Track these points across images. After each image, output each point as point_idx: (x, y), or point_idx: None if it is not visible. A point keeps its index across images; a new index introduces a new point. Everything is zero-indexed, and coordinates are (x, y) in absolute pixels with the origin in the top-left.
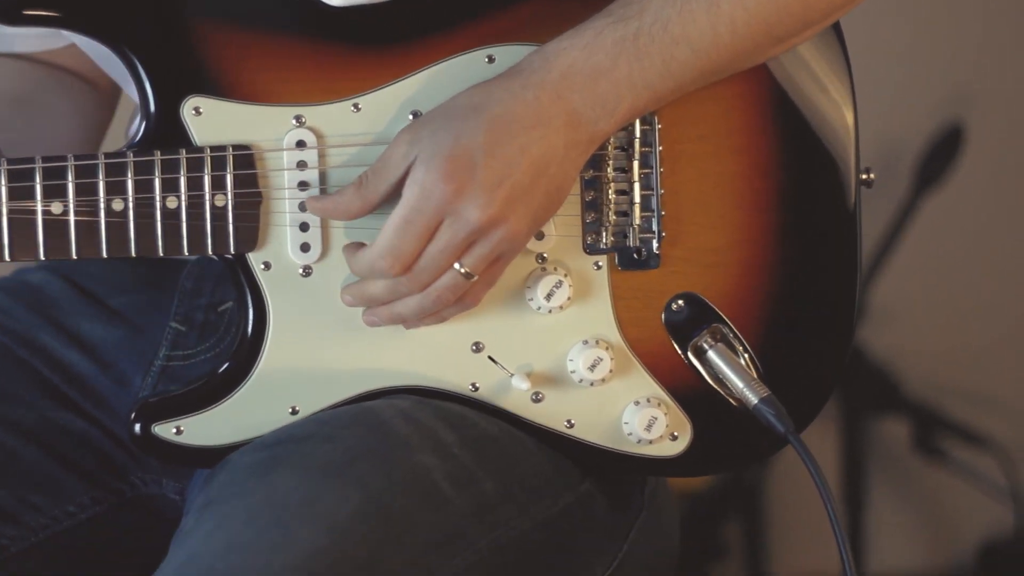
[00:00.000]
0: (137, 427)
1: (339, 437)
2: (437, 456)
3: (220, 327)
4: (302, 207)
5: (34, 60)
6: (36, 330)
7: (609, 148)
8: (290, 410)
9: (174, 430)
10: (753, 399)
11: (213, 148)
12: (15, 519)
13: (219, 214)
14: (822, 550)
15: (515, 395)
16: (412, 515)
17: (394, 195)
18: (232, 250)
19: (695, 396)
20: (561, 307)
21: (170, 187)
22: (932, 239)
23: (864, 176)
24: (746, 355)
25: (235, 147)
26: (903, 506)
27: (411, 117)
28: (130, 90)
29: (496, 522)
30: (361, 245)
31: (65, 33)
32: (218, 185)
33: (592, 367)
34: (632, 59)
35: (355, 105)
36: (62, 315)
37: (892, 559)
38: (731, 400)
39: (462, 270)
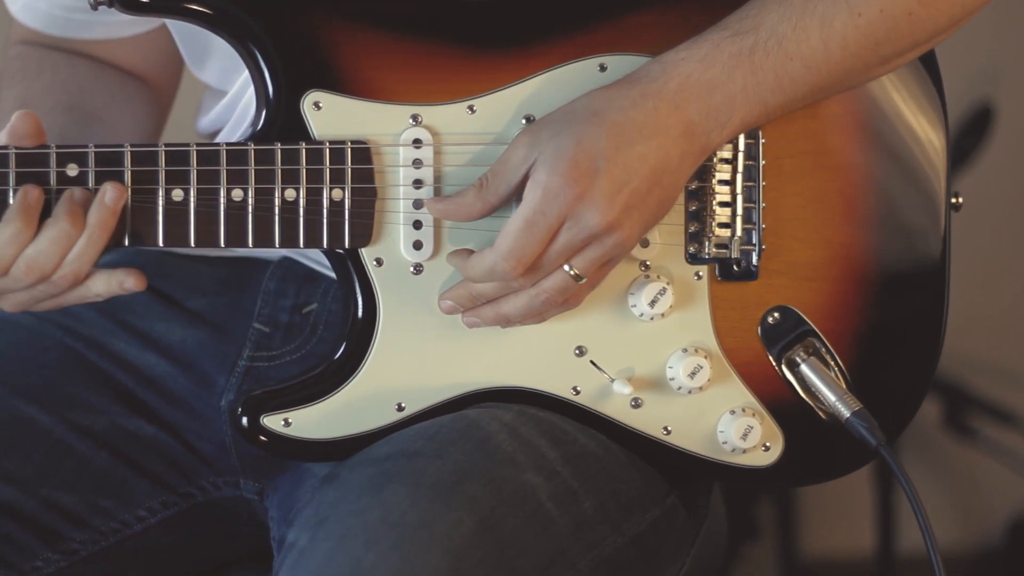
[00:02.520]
0: (245, 419)
1: (448, 454)
2: (541, 474)
3: (305, 328)
4: (416, 204)
5: (90, 58)
6: (108, 335)
7: (715, 160)
8: (396, 406)
9: (282, 422)
10: (845, 412)
11: (332, 142)
12: (85, 523)
13: (336, 208)
14: (854, 530)
15: (615, 401)
16: (521, 536)
17: (512, 197)
18: (347, 245)
19: (787, 407)
20: (663, 314)
21: (289, 179)
22: (964, 217)
23: (954, 200)
24: (836, 367)
25: (353, 142)
26: (934, 484)
27: (524, 121)
28: (204, 74)
29: (594, 541)
30: (468, 251)
31: (167, 22)
32: (336, 179)
33: (692, 374)
34: (747, 73)
35: (470, 107)
36: (135, 318)
37: (921, 542)
38: (821, 413)
39: (572, 272)
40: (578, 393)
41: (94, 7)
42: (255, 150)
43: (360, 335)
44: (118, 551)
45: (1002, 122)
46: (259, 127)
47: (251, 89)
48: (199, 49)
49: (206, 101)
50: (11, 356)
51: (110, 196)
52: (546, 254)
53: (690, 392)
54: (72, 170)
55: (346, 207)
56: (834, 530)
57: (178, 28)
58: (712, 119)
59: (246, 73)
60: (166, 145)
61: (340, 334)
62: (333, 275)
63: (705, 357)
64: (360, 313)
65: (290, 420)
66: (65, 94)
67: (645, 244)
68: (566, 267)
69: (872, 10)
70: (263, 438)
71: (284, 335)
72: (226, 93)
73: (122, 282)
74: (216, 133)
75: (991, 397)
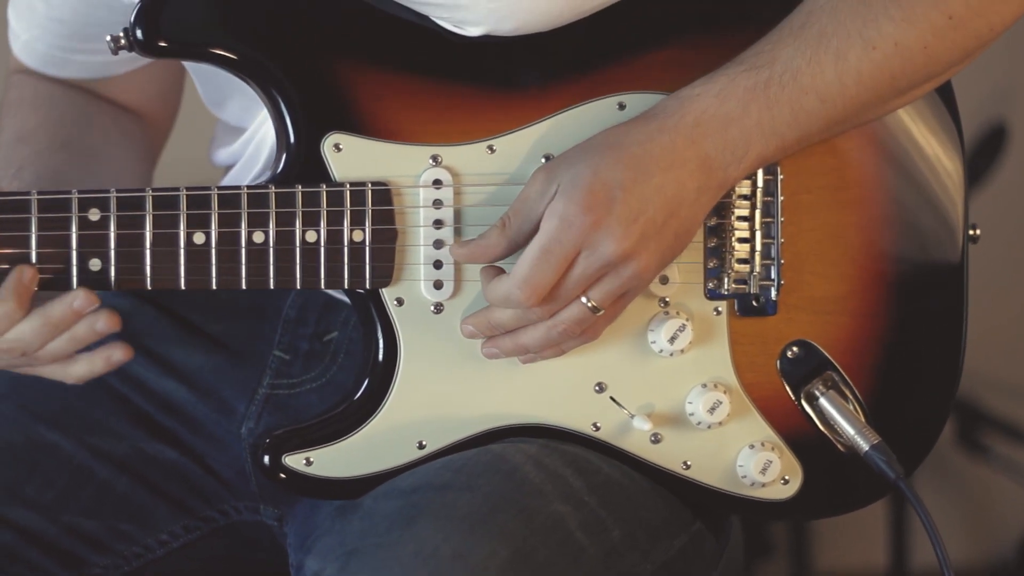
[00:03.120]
0: (266, 458)
1: (477, 486)
2: (570, 504)
3: (326, 357)
4: (437, 245)
5: (88, 93)
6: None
7: (734, 196)
8: (417, 444)
9: (304, 461)
10: (864, 446)
11: (352, 183)
12: (108, 548)
13: (356, 249)
14: (867, 546)
15: (635, 436)
16: (554, 566)
17: (535, 234)
18: (368, 285)
19: (806, 441)
20: (683, 350)
21: (310, 221)
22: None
23: (972, 232)
24: (855, 400)
25: (374, 183)
26: (946, 501)
27: (543, 160)
28: (223, 113)
29: (623, 570)
30: (496, 270)
31: (188, 64)
32: (356, 220)
33: (712, 410)
34: (763, 107)
35: (490, 147)
36: (155, 343)
37: (934, 559)
38: (839, 446)
39: (589, 304)
40: (598, 429)
41: (114, 51)
42: (276, 193)
43: (381, 373)
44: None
45: (1015, 142)
46: (280, 169)
47: (267, 125)
48: (218, 90)
49: (221, 135)
50: (32, 382)
51: (79, 303)
52: (563, 284)
53: (710, 427)
54: (94, 215)
55: (367, 248)
56: (847, 547)
57: (196, 70)
58: (729, 153)
59: (264, 112)
60: (187, 189)
61: (361, 371)
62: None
63: (724, 392)
64: (381, 352)
65: (312, 459)
66: (62, 129)
67: (664, 281)
68: (583, 299)
69: (887, 44)
70: (283, 476)
71: (304, 363)
72: (245, 130)
73: (108, 358)
74: (232, 167)
75: (1004, 414)
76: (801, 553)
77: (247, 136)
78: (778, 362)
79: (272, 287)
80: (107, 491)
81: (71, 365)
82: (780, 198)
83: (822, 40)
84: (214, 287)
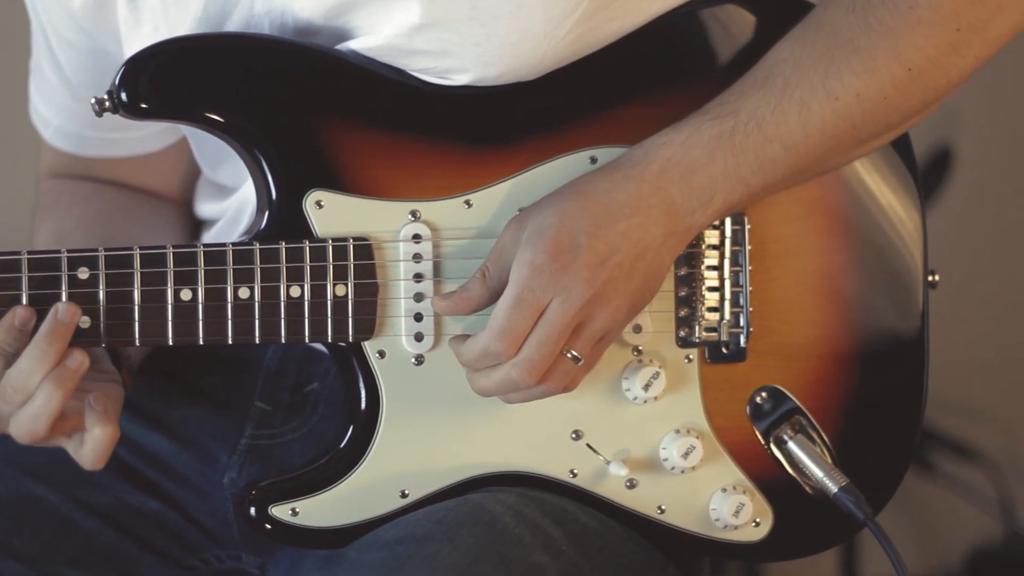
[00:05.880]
0: (253, 509)
1: (458, 537)
2: (548, 554)
3: (306, 407)
4: (417, 298)
5: (118, 186)
6: None
7: (703, 246)
8: (400, 493)
9: (290, 511)
10: (833, 488)
11: (335, 239)
12: None
13: (339, 303)
14: (816, 558)
15: (611, 482)
16: None
17: None
18: (351, 339)
19: (776, 484)
20: (656, 397)
21: (294, 276)
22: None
23: (930, 278)
24: (822, 443)
25: (355, 239)
26: (895, 516)
27: (518, 212)
28: (218, 176)
29: None
30: (464, 337)
31: (183, 128)
32: (339, 275)
33: (685, 455)
34: (728, 155)
35: (467, 202)
36: (136, 396)
37: (884, 568)
38: (808, 488)
39: (569, 355)
40: (575, 476)
41: (99, 113)
42: (260, 249)
43: (364, 424)
44: None
45: (962, 163)
46: (263, 227)
47: (249, 184)
48: (212, 153)
49: (206, 189)
50: None
51: (63, 314)
52: (537, 337)
53: (683, 472)
54: (83, 273)
55: (350, 302)
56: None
57: (191, 133)
58: (695, 199)
59: None
60: (174, 247)
61: (344, 421)
62: (327, 350)
63: (697, 437)
64: (363, 403)
65: (298, 509)
66: (98, 225)
67: (637, 330)
68: (567, 352)
69: (848, 94)
70: (269, 526)
71: (286, 414)
72: (235, 189)
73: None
74: (215, 221)
75: (950, 433)
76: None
77: (238, 195)
78: (748, 407)
79: (258, 342)
80: (92, 542)
81: (81, 447)
82: (748, 247)
83: (786, 90)
84: (201, 342)
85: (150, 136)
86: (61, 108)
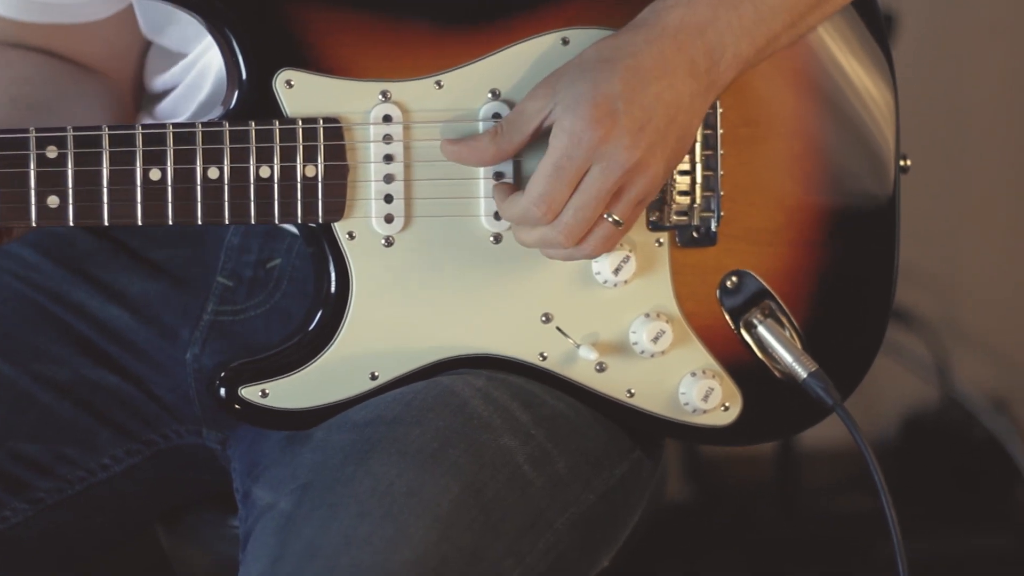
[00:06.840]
0: (223, 390)
1: (427, 420)
2: (517, 438)
3: (269, 283)
4: (387, 179)
5: (48, 53)
6: (69, 285)
7: None
8: (370, 375)
9: (260, 393)
10: (802, 373)
11: (304, 120)
12: (51, 472)
13: (309, 184)
14: None
15: (580, 365)
16: (503, 500)
17: (525, 146)
18: (320, 219)
19: (745, 368)
20: (626, 281)
21: (264, 157)
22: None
23: (902, 163)
24: (792, 328)
25: (325, 119)
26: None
27: (490, 95)
28: (161, 39)
29: (568, 500)
30: (513, 187)
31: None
32: (309, 156)
33: (655, 339)
34: (729, 8)
35: (438, 82)
36: (96, 269)
37: (821, 432)
38: (777, 373)
39: (611, 219)
40: (545, 359)
41: None
42: (230, 130)
43: (334, 306)
44: (84, 499)
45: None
46: (232, 106)
47: (212, 52)
48: (160, 18)
49: (156, 60)
50: None
51: None
52: (579, 201)
53: (653, 356)
54: (51, 152)
55: (319, 183)
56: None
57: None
58: (709, 57)
59: (207, 39)
60: (143, 126)
61: (313, 303)
62: (295, 231)
63: (667, 321)
64: (333, 285)
65: (267, 391)
66: (15, 86)
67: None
68: (607, 216)
69: None
70: (238, 407)
71: (248, 290)
72: (184, 55)
73: None
74: (168, 92)
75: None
76: (695, 468)
77: (188, 61)
78: (717, 291)
79: (227, 223)
80: (49, 416)
81: None
82: (720, 131)
83: None
84: (170, 223)
85: (95, 2)
86: None
